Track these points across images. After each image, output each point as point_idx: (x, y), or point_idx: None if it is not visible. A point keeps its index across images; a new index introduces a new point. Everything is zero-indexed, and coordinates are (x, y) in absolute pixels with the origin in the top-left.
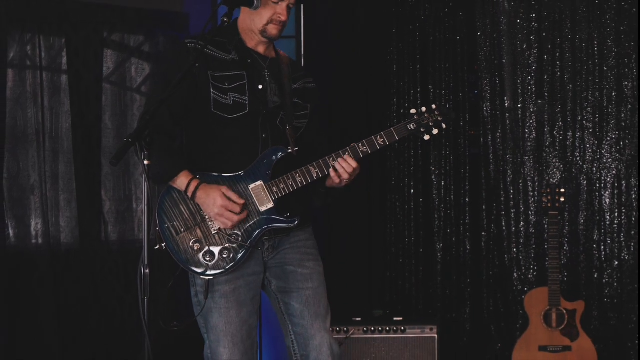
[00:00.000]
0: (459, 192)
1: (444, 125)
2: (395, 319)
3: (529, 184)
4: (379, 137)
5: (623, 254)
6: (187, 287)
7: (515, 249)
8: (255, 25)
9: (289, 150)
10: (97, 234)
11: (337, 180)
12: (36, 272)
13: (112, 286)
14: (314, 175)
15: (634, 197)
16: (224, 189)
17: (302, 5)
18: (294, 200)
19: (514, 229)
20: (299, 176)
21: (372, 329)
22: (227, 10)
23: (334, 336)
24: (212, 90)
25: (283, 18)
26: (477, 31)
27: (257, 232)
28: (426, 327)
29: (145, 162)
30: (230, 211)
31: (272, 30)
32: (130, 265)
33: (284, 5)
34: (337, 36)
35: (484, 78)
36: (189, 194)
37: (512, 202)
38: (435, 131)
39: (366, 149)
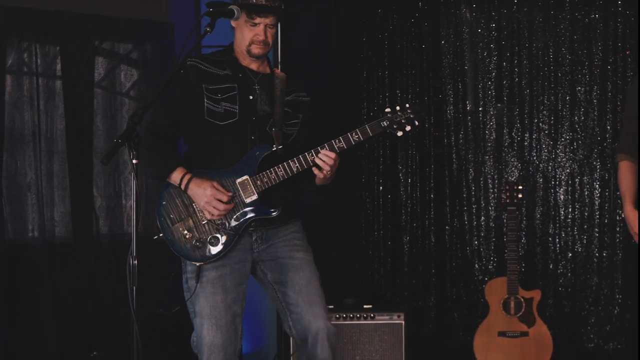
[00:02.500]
0: (425, 189)
1: (416, 122)
2: (365, 306)
3: (489, 181)
4: (354, 133)
5: (576, 247)
6: (174, 278)
7: (476, 242)
8: (241, 46)
9: (274, 149)
10: (89, 228)
11: (321, 175)
12: (33, 263)
13: (103, 276)
14: (294, 169)
15: (586, 193)
16: (214, 183)
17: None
18: (277, 193)
19: (475, 223)
20: (281, 170)
21: (344, 315)
22: (210, 20)
23: None
24: (205, 101)
25: (261, 38)
26: (441, 40)
27: (243, 221)
28: (394, 314)
29: (134, 161)
30: (219, 200)
31: (255, 49)
32: (120, 256)
33: (261, 26)
34: (312, 44)
35: (447, 83)
36: (182, 186)
37: (473, 198)
38: (407, 128)
39: (342, 144)
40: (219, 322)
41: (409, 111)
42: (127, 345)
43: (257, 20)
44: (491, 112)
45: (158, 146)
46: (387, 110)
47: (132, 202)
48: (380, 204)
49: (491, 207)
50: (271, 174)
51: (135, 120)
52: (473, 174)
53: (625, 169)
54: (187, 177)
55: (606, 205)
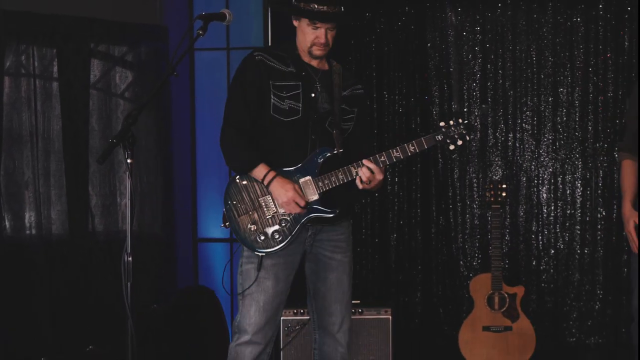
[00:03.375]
0: (411, 187)
1: (467, 137)
2: (353, 302)
3: (474, 180)
4: (410, 145)
5: (558, 244)
6: (167, 274)
7: (461, 239)
8: (303, 46)
9: (335, 152)
10: (85, 226)
11: (364, 184)
12: (30, 260)
13: (98, 272)
14: (354, 173)
15: (568, 192)
16: (296, 186)
17: (269, 18)
18: (336, 194)
19: (460, 221)
20: (341, 174)
21: None
22: (203, 23)
23: (298, 318)
24: (272, 97)
25: (322, 41)
26: (427, 43)
27: (304, 219)
28: (381, 309)
29: (129, 161)
30: (296, 203)
31: (316, 51)
32: (115, 253)
33: (322, 30)
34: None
35: (433, 85)
36: (265, 182)
37: (458, 197)
38: (459, 142)
39: (399, 154)
40: (266, 307)
41: (461, 126)
42: (121, 339)
43: (319, 24)
44: (476, 113)
45: (240, 141)
46: (442, 124)
47: (127, 201)
48: (368, 202)
49: (476, 205)
50: (332, 176)
51: (130, 120)
52: (458, 173)
53: (627, 168)
54: (272, 174)
55: (588, 203)
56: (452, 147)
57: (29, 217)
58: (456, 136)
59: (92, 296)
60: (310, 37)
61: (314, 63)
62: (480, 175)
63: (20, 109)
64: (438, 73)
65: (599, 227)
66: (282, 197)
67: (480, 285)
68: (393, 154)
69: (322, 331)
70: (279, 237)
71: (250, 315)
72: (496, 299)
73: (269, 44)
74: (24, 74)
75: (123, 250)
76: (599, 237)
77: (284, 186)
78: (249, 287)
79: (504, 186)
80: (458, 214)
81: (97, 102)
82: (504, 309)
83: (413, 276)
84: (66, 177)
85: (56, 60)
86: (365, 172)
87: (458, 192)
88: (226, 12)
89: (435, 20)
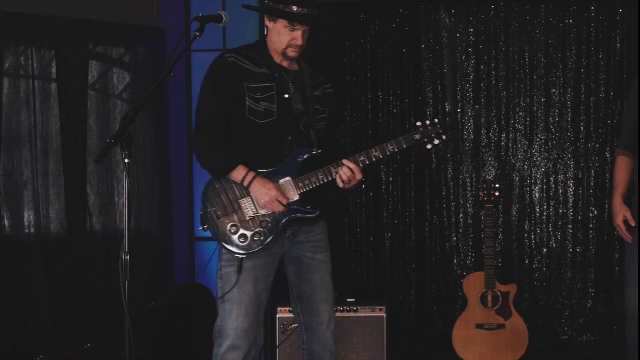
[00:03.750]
0: (405, 187)
1: (444, 137)
2: (348, 299)
3: (467, 180)
4: (389, 144)
5: (551, 242)
6: (164, 272)
7: (455, 238)
8: (277, 47)
9: (314, 152)
10: (83, 225)
11: (343, 182)
12: (29, 258)
13: (96, 270)
14: (334, 173)
15: (560, 191)
16: (277, 185)
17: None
18: (315, 194)
19: (453, 220)
20: (321, 174)
21: None
22: (199, 25)
23: (293, 316)
24: (247, 99)
25: (299, 43)
26: (421, 44)
27: (284, 220)
28: (376, 307)
29: (126, 161)
30: (279, 201)
31: (291, 52)
32: (112, 251)
33: (299, 32)
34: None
35: (427, 85)
36: (245, 183)
37: (452, 196)
38: (436, 141)
39: (378, 153)
40: (247, 309)
41: (438, 126)
42: (119, 336)
43: (297, 26)
44: (469, 114)
45: (216, 143)
46: (418, 124)
47: (124, 200)
48: (363, 201)
49: (469, 204)
50: (312, 177)
51: (127, 121)
52: (452, 173)
53: (620, 164)
54: (251, 175)
55: (580, 202)
56: (429, 145)
57: (28, 216)
58: (433, 135)
59: (90, 294)
60: (287, 38)
61: (285, 64)
62: (474, 175)
63: (19, 109)
64: (432, 74)
65: (590, 226)
66: (264, 196)
67: (473, 284)
68: (372, 153)
69: (309, 332)
70: (259, 239)
71: (233, 319)
72: (489, 297)
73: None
74: (23, 75)
75: (120, 248)
76: (590, 236)
77: (265, 185)
78: (229, 291)
79: (497, 185)
80: (452, 213)
81: (95, 102)
82: (497, 306)
83: (407, 274)
84: (64, 177)
85: (54, 61)
86: (346, 172)
87: (452, 191)
88: (222, 14)
89: (429, 21)
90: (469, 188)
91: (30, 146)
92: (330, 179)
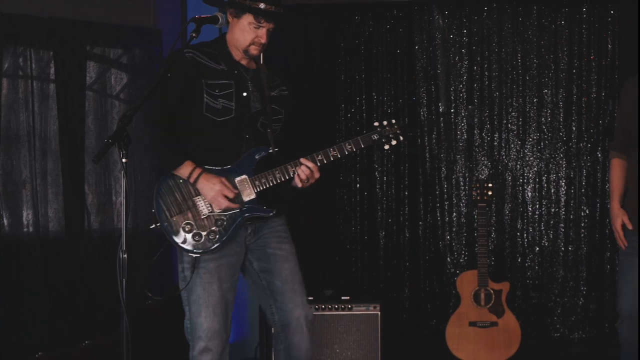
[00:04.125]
0: (399, 186)
1: (401, 138)
2: (343, 298)
3: (461, 179)
4: (347, 144)
5: (543, 241)
6: (160, 269)
7: (448, 237)
8: (240, 44)
9: (270, 151)
10: (81, 223)
11: (301, 182)
12: (28, 257)
13: (94, 269)
14: (291, 172)
15: (552, 191)
16: (223, 179)
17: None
18: (272, 193)
19: (447, 219)
20: (278, 173)
21: (323, 306)
22: (195, 26)
23: None
24: (205, 96)
25: (263, 41)
26: (415, 45)
27: (240, 218)
28: (370, 305)
29: (124, 160)
30: (225, 195)
31: (253, 50)
32: (110, 250)
33: (264, 30)
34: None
35: (421, 86)
36: (192, 179)
37: (445, 195)
38: (393, 142)
39: (336, 153)
40: (215, 310)
41: (395, 127)
42: (117, 334)
43: (264, 24)
44: (462, 114)
45: (164, 138)
46: (376, 124)
47: (122, 199)
48: (357, 200)
49: (462, 203)
50: (269, 175)
51: (124, 121)
52: (445, 172)
53: (614, 167)
54: (198, 171)
55: (572, 202)
56: (386, 146)
57: (27, 215)
58: (391, 136)
59: (88, 292)
60: (251, 35)
61: (245, 62)
62: (467, 174)
63: (17, 109)
64: (425, 75)
65: (582, 225)
66: (210, 192)
67: (466, 282)
68: (330, 152)
69: (286, 329)
70: (214, 237)
71: (202, 321)
72: (482, 295)
73: None
74: (22, 76)
75: (118, 247)
76: (582, 235)
77: (210, 180)
78: (185, 288)
79: (490, 185)
80: (445, 212)
81: (93, 103)
82: (490, 304)
83: (401, 273)
84: (63, 176)
85: (53, 62)
86: (305, 171)
87: (445, 190)
88: (219, 15)
89: (422, 23)
90: (462, 187)
91: (29, 146)
92: (287, 178)
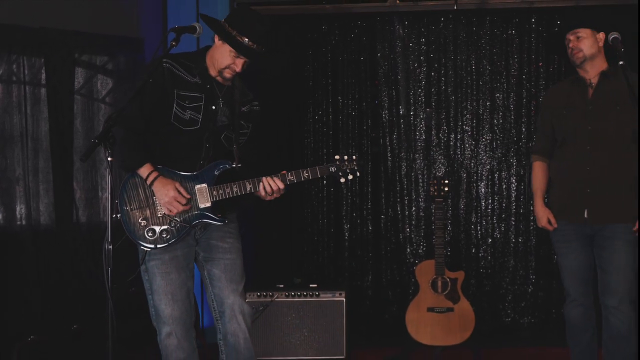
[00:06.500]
0: (363, 183)
1: (357, 173)
2: (311, 285)
3: (419, 176)
4: (304, 171)
5: (495, 233)
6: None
7: (408, 229)
8: (217, 64)
9: (233, 165)
10: (70, 217)
11: (267, 198)
12: (21, 248)
13: (82, 258)
14: (248, 189)
15: (504, 187)
16: (177, 184)
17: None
18: (227, 204)
19: (407, 213)
20: (236, 187)
21: (292, 293)
22: (175, 36)
23: (261, 300)
24: (175, 106)
25: (237, 69)
26: (378, 53)
27: (193, 222)
28: (336, 292)
29: (109, 159)
30: (178, 202)
31: (227, 74)
32: (97, 242)
33: (241, 60)
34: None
35: (383, 90)
36: (148, 182)
37: (405, 191)
38: (350, 176)
39: (293, 178)
40: (175, 297)
41: (354, 163)
42: (103, 319)
43: (241, 56)
44: (421, 116)
45: (129, 140)
46: (337, 157)
47: (108, 195)
48: (324, 196)
49: (421, 199)
50: (227, 188)
51: (110, 123)
52: (405, 170)
53: (537, 169)
54: (154, 174)
55: (522, 197)
56: (342, 179)
57: (20, 209)
58: (348, 170)
59: (77, 280)
60: (228, 61)
61: (219, 78)
62: (425, 172)
63: (11, 112)
64: (387, 80)
65: (531, 218)
66: (164, 197)
67: (425, 271)
68: (288, 177)
69: (222, 316)
70: (166, 236)
71: (163, 308)
72: (439, 283)
73: None
74: (15, 81)
75: (104, 239)
76: (531, 228)
77: (165, 186)
78: (152, 283)
79: (447, 181)
80: (405, 207)
81: (81, 106)
82: (447, 292)
83: (364, 262)
84: (53, 174)
85: (44, 68)
86: (267, 186)
87: (405, 186)
88: (197, 25)
89: (384, 32)
90: (420, 184)
91: (22, 146)
92: (243, 192)
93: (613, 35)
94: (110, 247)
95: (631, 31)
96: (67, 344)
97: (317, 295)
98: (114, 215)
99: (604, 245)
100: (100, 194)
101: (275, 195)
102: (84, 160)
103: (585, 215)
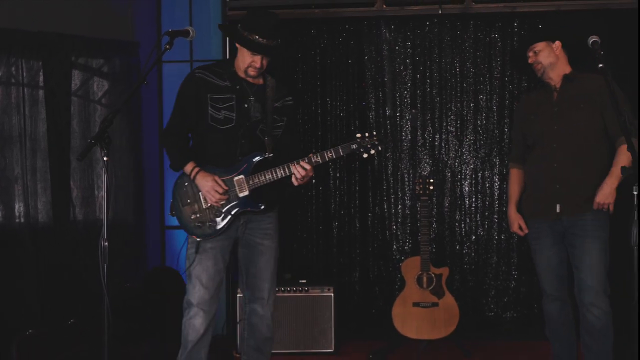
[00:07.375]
0: (351, 181)
1: (379, 148)
2: (300, 281)
3: (405, 175)
4: (328, 152)
5: (479, 230)
6: (138, 257)
7: (394, 227)
8: (241, 66)
9: (266, 155)
10: (67, 215)
11: (296, 182)
12: (19, 245)
13: (79, 255)
14: (279, 174)
15: (487, 186)
16: (216, 177)
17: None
18: (264, 191)
19: (393, 210)
20: (269, 174)
21: (283, 289)
22: (169, 39)
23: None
24: (209, 109)
25: (257, 66)
26: (365, 56)
27: (235, 210)
28: (325, 287)
29: (105, 159)
30: (215, 190)
31: (251, 72)
32: (93, 239)
33: (258, 57)
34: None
35: (370, 92)
36: (191, 177)
37: (392, 190)
38: (372, 151)
39: (318, 159)
40: (207, 284)
41: (374, 138)
42: (99, 313)
43: (256, 53)
44: (407, 117)
45: (174, 143)
46: (358, 135)
47: (104, 193)
48: (313, 194)
49: (407, 197)
50: (261, 176)
51: (106, 124)
52: (391, 169)
53: (512, 176)
54: (196, 169)
55: (504, 195)
56: (365, 155)
57: (18, 207)
58: (369, 146)
59: (73, 276)
60: (248, 60)
61: (249, 78)
62: (411, 171)
63: (10, 113)
64: (374, 82)
65: None
66: (204, 187)
67: (410, 267)
68: (313, 159)
69: (252, 305)
70: (214, 226)
71: (196, 291)
72: (424, 279)
73: (227, 57)
74: (14, 83)
75: (100, 236)
76: None
77: (205, 178)
78: (190, 266)
79: (432, 180)
80: (391, 205)
81: (78, 107)
82: (432, 287)
83: (352, 259)
84: (50, 173)
85: (42, 71)
86: (300, 170)
87: (391, 185)
88: (190, 29)
89: (371, 36)
90: (406, 182)
91: (21, 146)
92: (275, 178)
93: (592, 38)
94: (106, 244)
95: (609, 34)
96: (64, 338)
97: (307, 291)
98: (171, 213)
99: (575, 243)
100: (96, 192)
101: (305, 179)
102: (81, 160)
103: (558, 210)
